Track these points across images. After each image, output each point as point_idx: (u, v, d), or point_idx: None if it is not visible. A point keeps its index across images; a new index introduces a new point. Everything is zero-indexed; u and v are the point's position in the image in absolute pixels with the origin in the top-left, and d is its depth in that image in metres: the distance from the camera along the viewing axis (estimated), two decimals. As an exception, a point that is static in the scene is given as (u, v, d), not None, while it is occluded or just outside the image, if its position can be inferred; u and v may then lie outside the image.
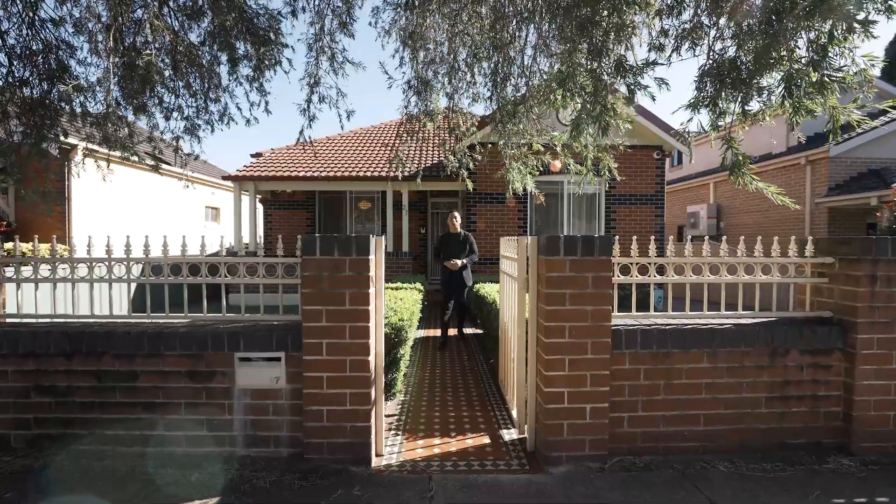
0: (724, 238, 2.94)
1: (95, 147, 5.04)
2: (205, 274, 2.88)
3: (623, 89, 2.96)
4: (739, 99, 2.39)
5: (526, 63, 4.44)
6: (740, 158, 2.58)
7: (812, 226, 10.43)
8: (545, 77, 4.19)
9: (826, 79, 2.27)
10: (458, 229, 5.76)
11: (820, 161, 10.26)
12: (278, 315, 2.90)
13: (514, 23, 4.49)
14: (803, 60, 2.36)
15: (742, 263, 2.88)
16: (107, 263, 2.90)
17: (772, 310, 2.97)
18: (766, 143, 11.89)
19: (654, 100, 2.72)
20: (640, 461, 2.71)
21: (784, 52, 2.17)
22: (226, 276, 2.87)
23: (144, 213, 12.11)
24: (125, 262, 2.89)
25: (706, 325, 2.82)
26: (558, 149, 4.86)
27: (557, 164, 5.58)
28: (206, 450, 2.76)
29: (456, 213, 5.77)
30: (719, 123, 2.58)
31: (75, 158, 9.78)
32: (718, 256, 2.87)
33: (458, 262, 5.53)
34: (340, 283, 2.62)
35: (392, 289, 5.74)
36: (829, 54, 2.08)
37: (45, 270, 3.03)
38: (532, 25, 4.34)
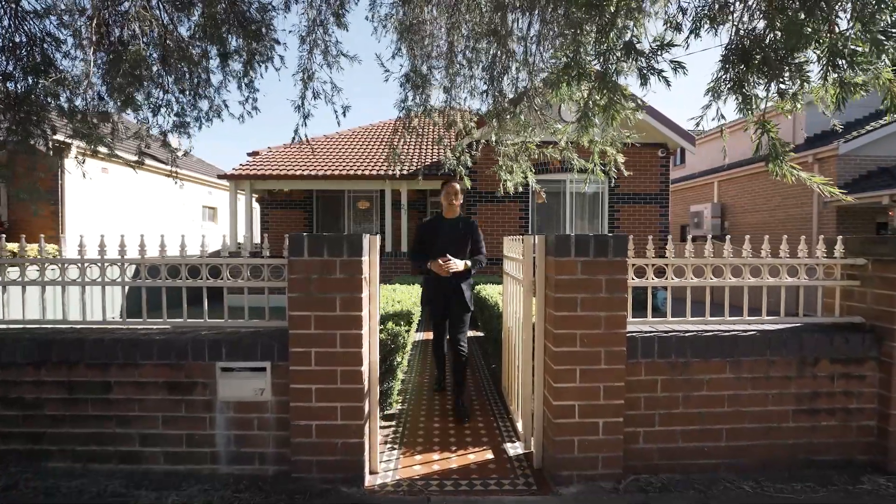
0: (747, 237, 2.71)
1: (83, 144, 4.84)
2: (185, 277, 2.66)
3: (634, 75, 2.72)
4: (774, 80, 2.15)
5: (530, 51, 4.22)
6: (778, 145, 2.34)
7: (820, 225, 10.20)
8: (549, 65, 3.97)
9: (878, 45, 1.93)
10: (458, 212, 3.69)
11: (828, 159, 10.04)
12: (264, 321, 2.68)
13: (515, 12, 4.28)
14: (847, 34, 2.10)
15: (766, 265, 2.66)
16: (79, 265, 2.69)
17: (798, 315, 2.75)
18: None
19: (668, 85, 2.46)
20: (658, 480, 2.49)
21: (825, 25, 1.93)
22: (207, 279, 2.66)
23: (140, 212, 11.90)
24: (99, 264, 2.67)
25: (728, 332, 2.60)
26: (561, 144, 4.64)
27: (555, 161, 5.32)
28: (186, 467, 2.54)
29: (456, 186, 3.63)
30: (750, 108, 2.34)
31: (69, 157, 9.58)
32: (741, 257, 2.66)
33: (456, 262, 3.38)
34: (331, 287, 2.40)
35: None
36: (879, 22, 1.82)
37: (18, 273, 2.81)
38: (535, 13, 4.13)
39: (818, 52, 1.95)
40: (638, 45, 2.46)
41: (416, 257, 3.65)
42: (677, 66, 2.41)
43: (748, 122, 2.48)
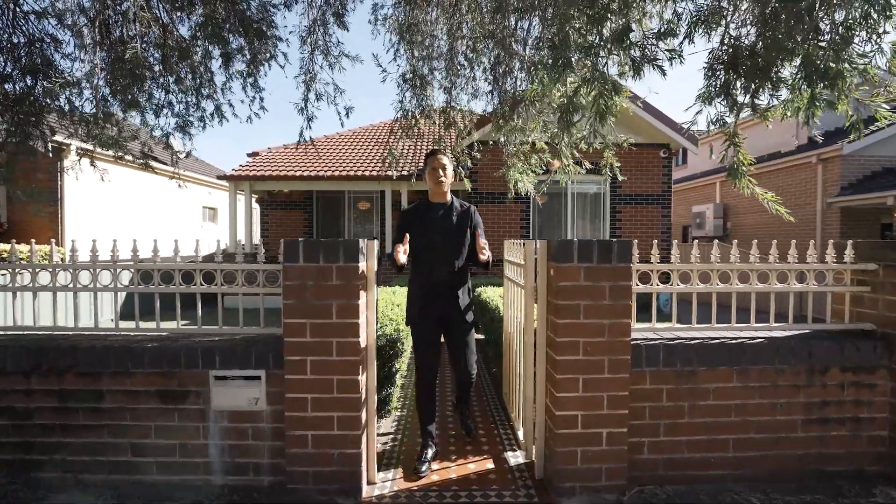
0: (754, 242, 2.65)
1: (86, 146, 4.80)
2: (178, 282, 2.60)
3: (627, 66, 2.63)
4: (752, 90, 2.10)
5: (529, 54, 4.16)
6: (741, 158, 2.30)
7: (823, 226, 10.12)
8: (538, 61, 3.90)
9: (847, 66, 1.97)
10: (449, 195, 2.90)
11: (832, 159, 9.95)
12: (259, 327, 2.63)
13: (515, 14, 4.22)
14: (823, 44, 2.07)
15: (774, 270, 2.59)
16: (71, 271, 2.63)
17: (807, 321, 2.68)
18: (774, 141, 11.57)
19: (664, 74, 2.32)
20: (663, 492, 2.42)
21: (809, 36, 1.87)
22: (202, 285, 2.60)
23: (141, 213, 11.87)
24: (91, 270, 2.61)
25: (735, 339, 2.54)
26: (560, 146, 4.57)
27: (556, 164, 5.26)
28: (179, 478, 2.48)
29: (443, 159, 2.85)
30: (727, 120, 2.30)
31: (68, 158, 9.53)
32: (748, 262, 2.59)
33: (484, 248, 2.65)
34: (326, 294, 2.33)
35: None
36: (854, 40, 1.78)
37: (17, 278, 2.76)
38: (537, 15, 4.07)
39: (793, 65, 1.91)
40: (630, 35, 2.38)
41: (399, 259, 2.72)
42: (673, 54, 2.31)
43: (722, 133, 2.45)
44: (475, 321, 2.98)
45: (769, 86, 2.18)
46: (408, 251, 2.68)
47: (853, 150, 9.65)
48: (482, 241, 2.67)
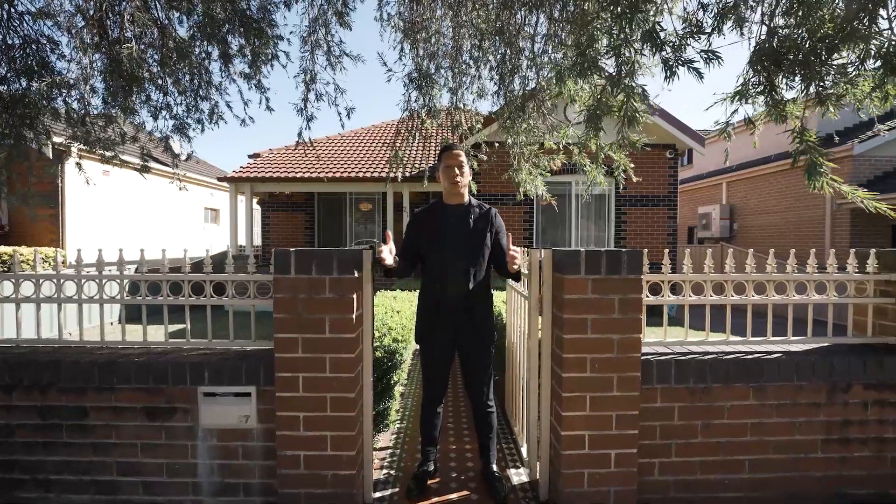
0: (771, 251, 2.51)
1: (84, 148, 4.72)
2: (166, 294, 2.50)
3: (657, 68, 2.47)
4: (812, 81, 1.95)
5: (536, 51, 4.03)
6: (817, 157, 2.14)
7: (833, 228, 9.93)
8: (557, 64, 3.76)
9: None
10: (466, 196, 2.56)
11: (843, 160, 9.75)
12: (249, 341, 2.51)
13: (523, 10, 4.09)
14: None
15: (792, 281, 2.45)
16: (55, 281, 2.53)
17: (826, 334, 2.55)
18: (782, 140, 11.39)
19: (701, 78, 2.17)
20: (675, 516, 2.30)
21: (873, 23, 1.73)
22: (190, 297, 2.49)
23: (142, 214, 11.80)
24: (75, 280, 2.50)
25: (751, 353, 2.40)
26: (573, 148, 4.43)
27: (557, 163, 5.10)
28: (166, 498, 2.38)
29: (461, 155, 2.47)
30: (780, 112, 2.14)
31: (68, 160, 9.47)
32: (765, 272, 2.45)
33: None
34: (319, 307, 2.22)
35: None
36: None
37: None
38: (543, 11, 3.93)
39: (857, 52, 1.76)
40: (662, 34, 2.22)
41: (403, 268, 2.48)
42: (710, 55, 2.15)
43: (785, 129, 2.28)
44: (494, 342, 2.59)
45: (836, 74, 1.98)
46: (393, 250, 2.38)
47: (864, 150, 9.46)
48: (513, 250, 2.38)
